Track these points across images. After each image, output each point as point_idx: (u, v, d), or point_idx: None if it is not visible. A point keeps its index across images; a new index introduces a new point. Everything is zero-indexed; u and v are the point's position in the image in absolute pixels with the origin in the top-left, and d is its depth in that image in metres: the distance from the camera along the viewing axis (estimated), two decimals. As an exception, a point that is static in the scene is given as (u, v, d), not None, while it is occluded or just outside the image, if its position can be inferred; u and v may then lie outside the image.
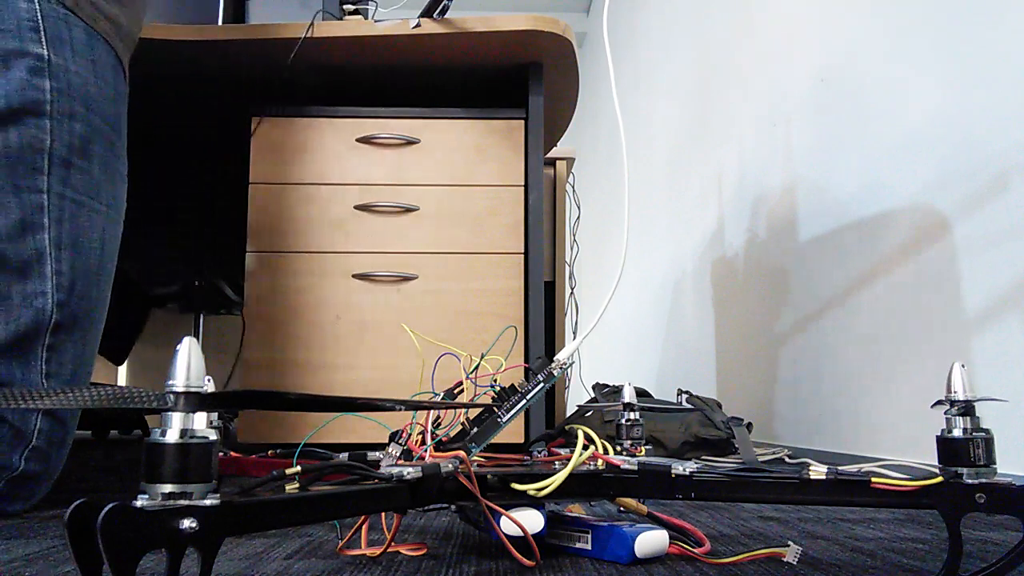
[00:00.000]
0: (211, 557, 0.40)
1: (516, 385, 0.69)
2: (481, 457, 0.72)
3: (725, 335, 2.35)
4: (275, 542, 0.70)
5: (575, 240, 2.08)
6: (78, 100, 0.91)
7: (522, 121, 1.48)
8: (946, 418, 0.55)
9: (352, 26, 1.41)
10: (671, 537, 0.64)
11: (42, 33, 0.88)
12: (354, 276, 1.42)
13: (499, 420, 0.67)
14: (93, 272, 0.93)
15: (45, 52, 0.88)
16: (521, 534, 0.59)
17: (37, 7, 0.88)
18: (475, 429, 0.67)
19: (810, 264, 1.77)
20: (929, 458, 0.56)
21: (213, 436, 0.40)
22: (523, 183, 1.46)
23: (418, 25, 1.39)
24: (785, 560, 0.62)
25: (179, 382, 0.39)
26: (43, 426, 0.87)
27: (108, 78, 0.96)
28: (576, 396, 2.18)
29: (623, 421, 0.79)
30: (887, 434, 1.44)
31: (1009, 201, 1.15)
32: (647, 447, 0.78)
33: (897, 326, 1.42)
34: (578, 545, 0.65)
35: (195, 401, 0.39)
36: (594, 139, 4.91)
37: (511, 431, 1.11)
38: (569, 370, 2.06)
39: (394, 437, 0.69)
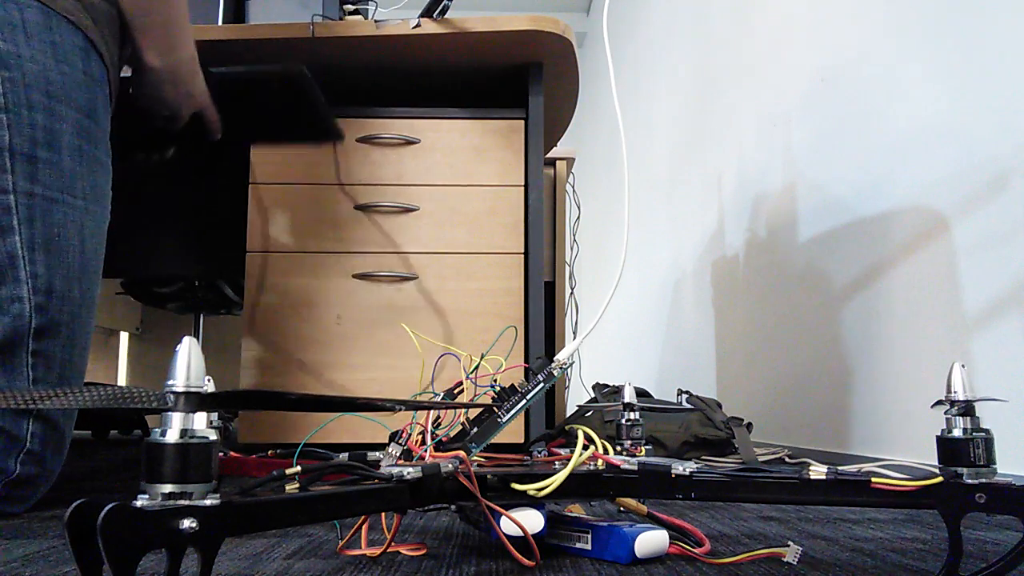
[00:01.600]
0: (211, 557, 0.40)
1: (516, 385, 0.69)
2: (481, 457, 0.72)
3: (725, 335, 2.35)
4: (275, 542, 0.70)
5: (575, 240, 2.08)
6: (36, 88, 0.85)
7: (522, 121, 1.48)
8: (946, 418, 0.55)
9: (352, 26, 1.41)
10: (671, 537, 0.64)
11: None
12: (354, 276, 1.42)
13: (499, 420, 0.67)
14: (74, 271, 0.89)
15: None
16: (521, 534, 0.59)
17: None
18: (475, 429, 0.67)
19: (810, 264, 1.77)
20: (929, 458, 0.56)
21: (213, 436, 0.40)
22: (523, 183, 1.46)
23: (418, 25, 1.39)
24: (785, 560, 0.62)
25: (179, 382, 0.39)
26: (35, 430, 0.85)
27: (74, 61, 0.89)
28: (576, 396, 2.18)
29: (623, 421, 0.79)
30: (887, 434, 1.44)
31: (1009, 201, 1.15)
32: (647, 447, 0.78)
33: (897, 326, 1.42)
34: (578, 545, 0.65)
35: (195, 401, 0.39)
36: (594, 139, 4.91)
37: (511, 431, 1.11)
38: (569, 370, 2.06)
39: (394, 437, 0.69)
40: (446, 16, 1.39)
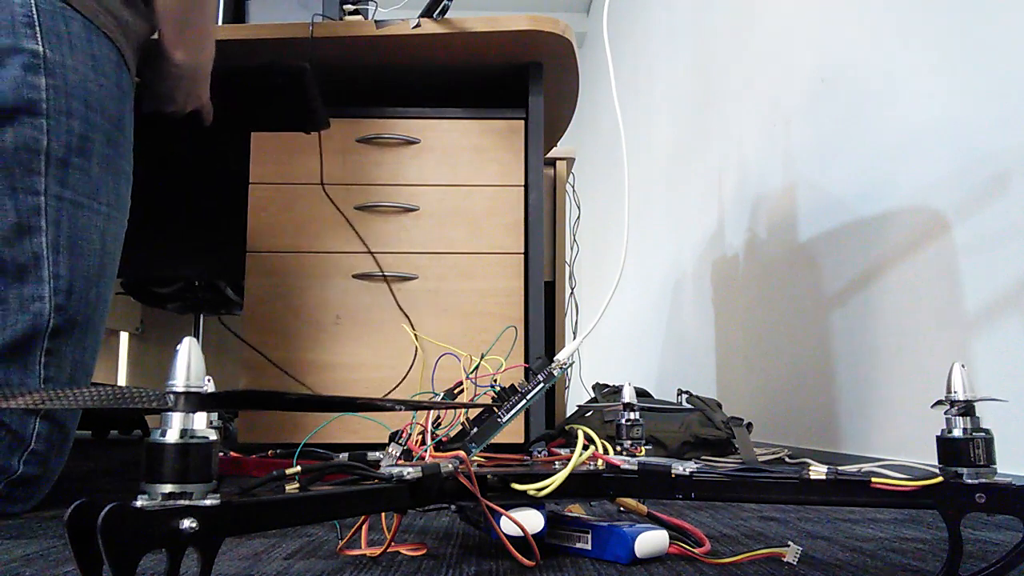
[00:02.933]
0: (211, 557, 0.40)
1: (516, 385, 0.69)
2: (481, 457, 0.72)
3: (725, 335, 2.35)
4: (275, 542, 0.70)
5: (575, 240, 2.08)
6: (76, 97, 0.89)
7: (522, 121, 1.48)
8: (946, 418, 0.55)
9: (352, 26, 1.41)
10: (671, 537, 0.64)
11: (37, 28, 0.86)
12: (354, 276, 1.42)
13: (499, 420, 0.67)
14: (93, 274, 0.91)
15: (41, 48, 0.86)
16: (521, 534, 0.59)
17: (32, 1, 0.86)
18: (475, 429, 0.67)
19: (810, 264, 1.77)
20: (929, 458, 0.56)
21: (213, 436, 0.40)
22: (523, 183, 1.46)
23: (418, 25, 1.39)
24: (785, 560, 0.62)
25: (179, 382, 0.39)
26: (41, 429, 0.86)
27: (109, 74, 0.93)
28: (576, 396, 2.18)
29: (623, 421, 0.79)
30: (887, 434, 1.44)
31: (1009, 201, 1.15)
32: (647, 447, 0.78)
33: (897, 326, 1.42)
34: (578, 545, 0.65)
35: (195, 401, 0.39)
36: (594, 139, 4.91)
37: (511, 431, 1.11)
38: (569, 370, 2.06)
39: (394, 437, 0.69)
40: (446, 16, 1.39)
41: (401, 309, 1.41)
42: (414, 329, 1.40)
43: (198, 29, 1.05)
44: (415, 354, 1.40)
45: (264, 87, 1.31)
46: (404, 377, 1.40)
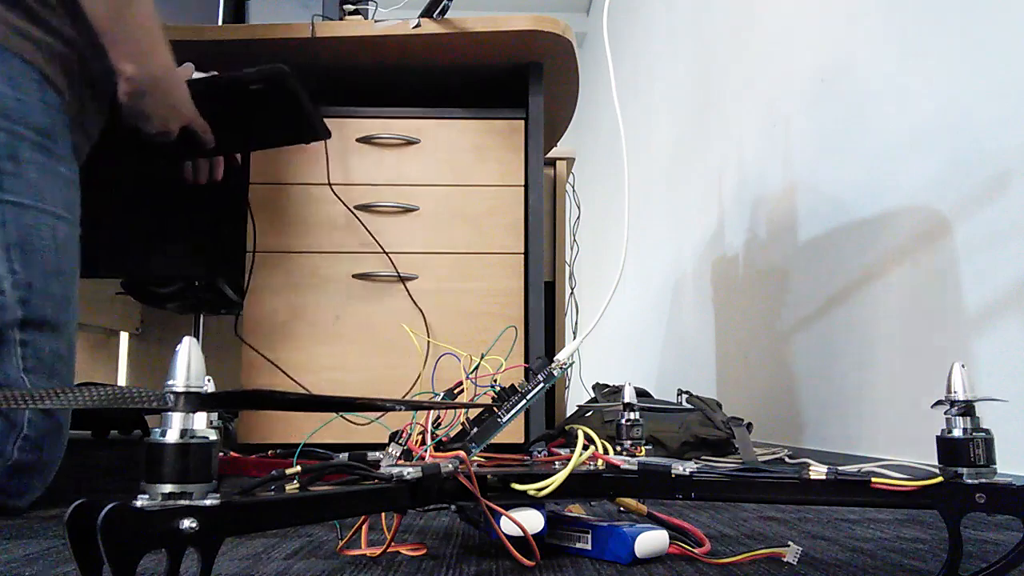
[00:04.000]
0: (211, 557, 0.40)
1: (516, 385, 0.69)
2: (481, 457, 0.72)
3: (725, 335, 2.35)
4: (275, 542, 0.70)
5: (575, 240, 2.08)
6: None
7: (522, 121, 1.48)
8: (946, 418, 0.55)
9: (352, 26, 1.41)
10: (671, 537, 0.64)
11: None
12: (354, 276, 1.42)
13: (499, 420, 0.67)
14: (51, 271, 0.94)
15: None
16: (521, 534, 0.59)
17: None
18: (475, 429, 0.67)
19: (810, 264, 1.77)
20: (929, 458, 0.56)
21: (213, 436, 0.40)
22: (523, 183, 1.46)
23: (418, 25, 1.39)
24: (785, 560, 0.62)
25: (179, 382, 0.39)
26: (32, 416, 0.89)
27: (30, 90, 0.96)
28: (576, 396, 2.18)
29: (623, 421, 0.79)
30: (887, 434, 1.44)
31: (1009, 201, 1.15)
32: (647, 447, 0.78)
33: (897, 326, 1.42)
34: (578, 545, 0.65)
35: (195, 401, 0.39)
36: (594, 139, 4.91)
37: (511, 431, 1.11)
38: (569, 370, 2.06)
39: (394, 437, 0.69)
40: (446, 16, 1.39)
41: (417, 302, 1.41)
42: (414, 330, 1.40)
43: (137, 36, 1.03)
44: (426, 353, 1.40)
45: (245, 100, 1.25)
46: (411, 378, 1.40)
